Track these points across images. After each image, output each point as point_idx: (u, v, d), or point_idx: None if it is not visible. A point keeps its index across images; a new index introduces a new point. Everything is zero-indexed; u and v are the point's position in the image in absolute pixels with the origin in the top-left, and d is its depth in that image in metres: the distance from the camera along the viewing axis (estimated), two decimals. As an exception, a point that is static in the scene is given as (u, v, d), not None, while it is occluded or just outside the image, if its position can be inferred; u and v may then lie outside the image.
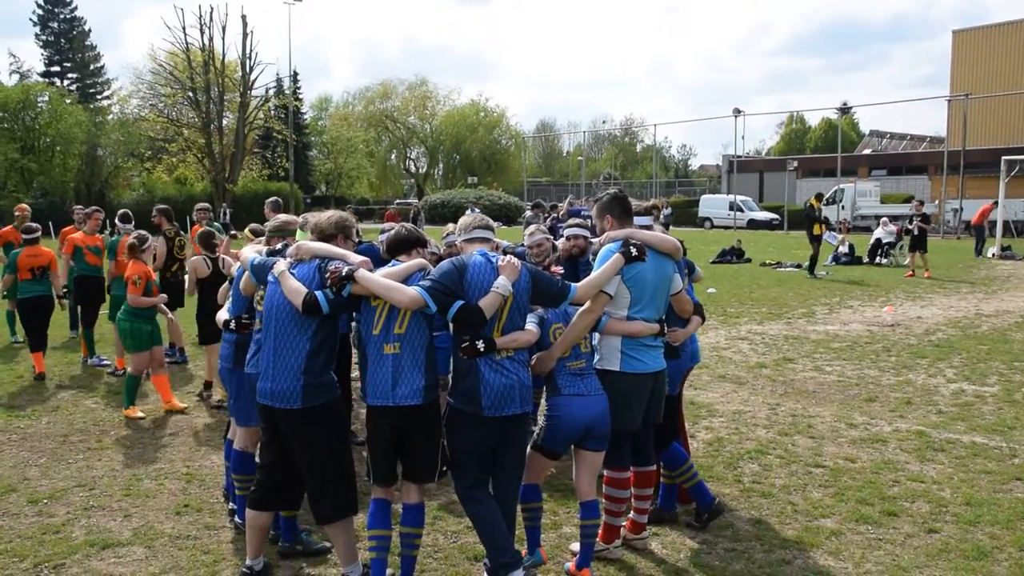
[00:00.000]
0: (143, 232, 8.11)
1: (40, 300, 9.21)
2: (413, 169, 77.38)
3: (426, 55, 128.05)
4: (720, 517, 5.01)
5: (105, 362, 9.71)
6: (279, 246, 4.62)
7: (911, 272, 19.38)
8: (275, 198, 10.79)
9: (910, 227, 19.90)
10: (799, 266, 21.45)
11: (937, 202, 37.08)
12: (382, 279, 3.89)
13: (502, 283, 3.91)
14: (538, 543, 4.45)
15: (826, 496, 5.48)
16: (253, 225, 7.33)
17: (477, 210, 26.41)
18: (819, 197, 20.08)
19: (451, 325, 4.13)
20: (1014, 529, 4.91)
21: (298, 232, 5.00)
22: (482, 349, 3.91)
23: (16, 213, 11.30)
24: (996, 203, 26.44)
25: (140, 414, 7.46)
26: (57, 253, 10.21)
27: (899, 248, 22.66)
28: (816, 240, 19.17)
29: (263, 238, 5.21)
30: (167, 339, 9.37)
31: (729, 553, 4.66)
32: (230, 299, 5.13)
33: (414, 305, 3.84)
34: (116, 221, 10.18)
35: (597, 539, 4.49)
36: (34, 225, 9.58)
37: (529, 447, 4.28)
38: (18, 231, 10.22)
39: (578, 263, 5.83)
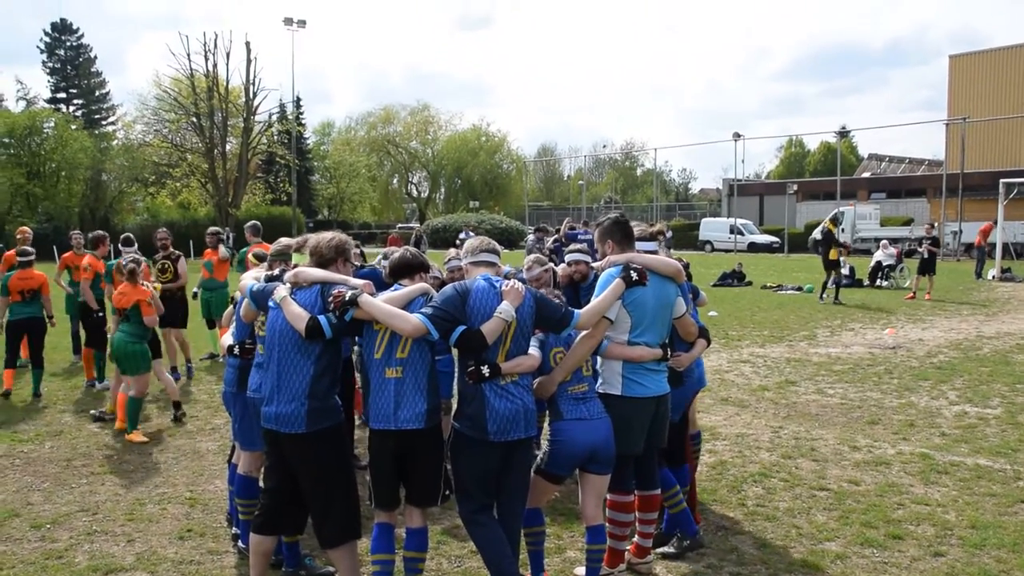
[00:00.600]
0: (137, 256, 8.14)
1: (27, 321, 9.38)
2: (415, 193, 77.71)
3: (428, 80, 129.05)
4: (701, 548, 4.96)
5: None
6: (277, 271, 4.65)
7: (912, 294, 19.39)
8: (254, 222, 11.23)
9: (919, 249, 19.91)
10: (800, 289, 21.49)
11: (936, 224, 37.14)
12: (385, 306, 3.91)
13: (505, 308, 3.93)
14: (542, 567, 4.44)
15: (830, 519, 5.47)
16: (256, 250, 7.35)
17: (471, 233, 26.45)
18: (835, 221, 19.88)
19: (453, 350, 4.14)
20: (1020, 552, 4.89)
21: (294, 256, 4.99)
22: (487, 374, 3.93)
23: (17, 236, 11.44)
24: (995, 222, 26.46)
25: (143, 438, 7.46)
26: (56, 278, 10.34)
27: (899, 270, 22.68)
28: (834, 265, 18.88)
29: (265, 263, 5.24)
30: (167, 361, 9.46)
31: (734, 577, 4.64)
32: (234, 324, 5.15)
33: (416, 333, 3.86)
34: (120, 245, 10.25)
35: (602, 563, 4.47)
36: (28, 249, 9.81)
37: (532, 471, 4.29)
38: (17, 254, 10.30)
39: (579, 288, 5.83)
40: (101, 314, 9.77)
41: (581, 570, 4.51)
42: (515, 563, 4.01)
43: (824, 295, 18.97)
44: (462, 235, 25.60)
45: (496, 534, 4.01)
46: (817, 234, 40.44)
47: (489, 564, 4.03)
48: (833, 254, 18.99)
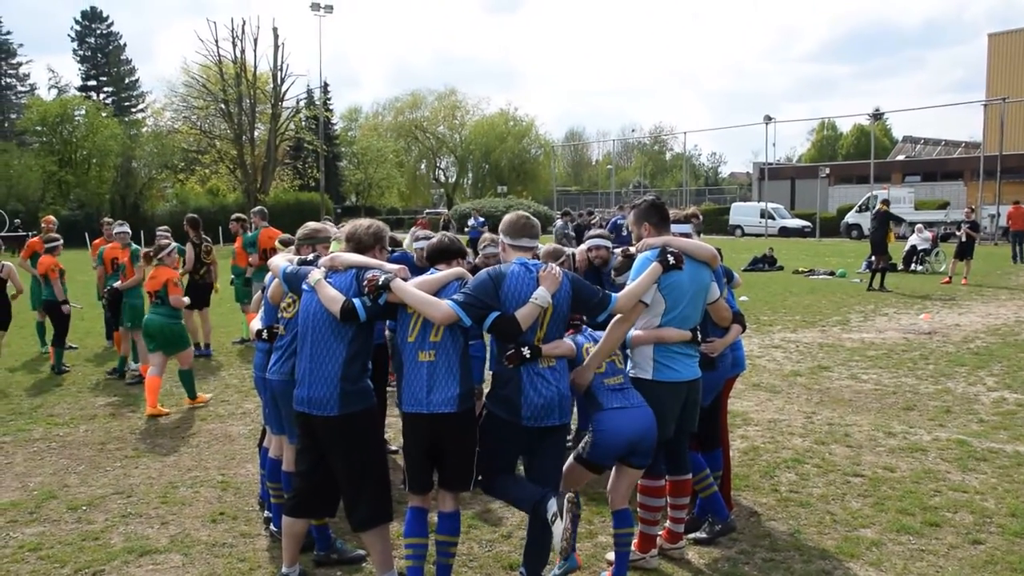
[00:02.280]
0: (165, 242, 8.45)
1: (49, 303, 10.09)
2: (443, 179, 77.75)
3: (455, 65, 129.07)
4: (733, 534, 4.90)
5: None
6: (311, 256, 4.65)
7: (948, 279, 19.06)
8: (260, 207, 12.08)
9: (957, 233, 19.52)
10: (832, 274, 21.21)
11: (974, 208, 36.52)
12: (418, 292, 3.89)
13: (541, 294, 3.89)
14: (574, 548, 4.42)
15: (865, 506, 5.39)
16: (283, 236, 7.50)
17: (480, 219, 25.94)
18: (887, 203, 19.11)
19: (486, 335, 4.11)
20: (1062, 541, 4.79)
21: (333, 243, 5.01)
22: (528, 356, 3.89)
23: (43, 225, 11.76)
24: (1016, 202, 25.74)
25: (206, 396, 8.35)
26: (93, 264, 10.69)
27: (935, 255, 22.31)
28: (885, 249, 17.77)
29: (292, 247, 5.25)
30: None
31: (767, 563, 4.59)
32: (262, 308, 5.17)
33: (447, 320, 3.84)
34: (158, 231, 10.46)
35: (633, 548, 4.44)
36: (55, 236, 10.45)
37: (572, 458, 4.26)
38: (43, 241, 10.75)
39: (601, 273, 5.78)
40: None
41: (612, 555, 4.48)
42: (532, 485, 3.97)
43: (873, 282, 17.78)
44: (471, 221, 25.27)
45: (511, 477, 4.04)
46: (851, 217, 40.08)
47: (510, 496, 4.03)
48: (891, 238, 18.17)
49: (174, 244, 8.47)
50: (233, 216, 12.24)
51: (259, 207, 12.01)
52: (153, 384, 7.90)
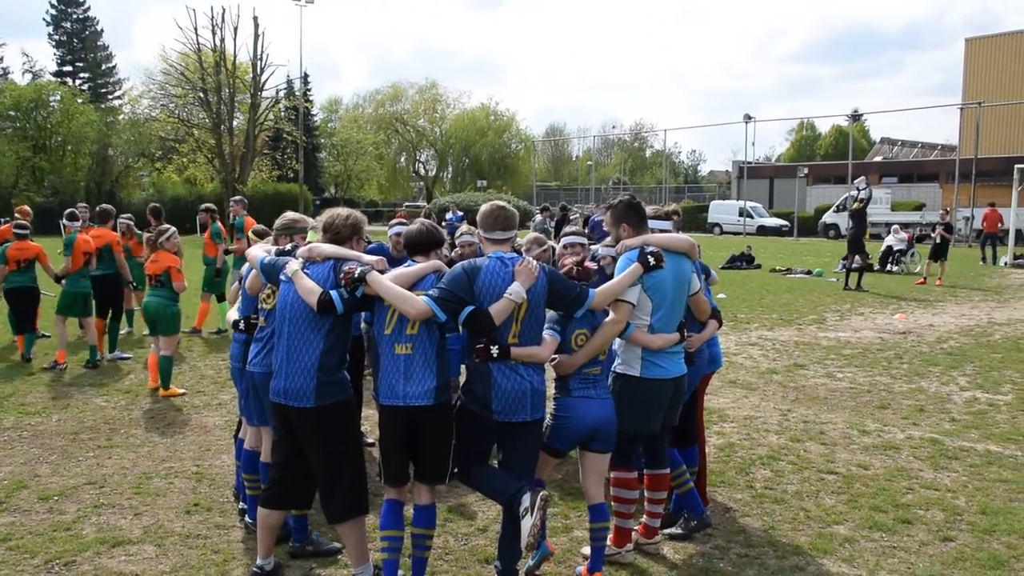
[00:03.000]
0: (168, 226, 8.61)
1: (22, 290, 9.90)
2: (422, 172, 77.43)
3: (437, 58, 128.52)
4: (709, 529, 4.93)
5: (126, 356, 10.02)
6: (288, 246, 4.61)
7: (923, 279, 19.27)
8: (240, 196, 12.11)
9: (932, 235, 19.70)
10: (809, 273, 21.37)
11: (948, 209, 36.94)
12: (393, 287, 3.87)
13: (515, 289, 3.88)
14: (544, 536, 4.43)
15: (839, 503, 5.44)
16: (257, 227, 7.45)
17: (459, 213, 25.30)
18: (863, 201, 18.08)
19: (461, 328, 4.09)
20: (1030, 538, 4.86)
21: (310, 233, 4.98)
22: (495, 355, 3.89)
23: (16, 213, 11.62)
24: (991, 204, 26.08)
25: (181, 391, 8.28)
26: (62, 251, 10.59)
27: (910, 255, 22.54)
28: (862, 248, 17.62)
29: (269, 238, 5.20)
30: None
31: (742, 559, 4.62)
32: (240, 299, 5.13)
33: (422, 316, 3.83)
34: (64, 220, 10.45)
35: (608, 543, 4.46)
36: (23, 223, 10.37)
37: None
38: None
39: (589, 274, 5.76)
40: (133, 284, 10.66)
41: (587, 549, 4.49)
42: (508, 477, 3.99)
43: (849, 281, 17.70)
44: (448, 215, 24.56)
45: (487, 468, 4.07)
46: (828, 217, 40.40)
47: (485, 487, 4.07)
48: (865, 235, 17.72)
49: (173, 228, 8.57)
50: (202, 206, 12.18)
51: (239, 196, 12.13)
52: (154, 361, 8.30)
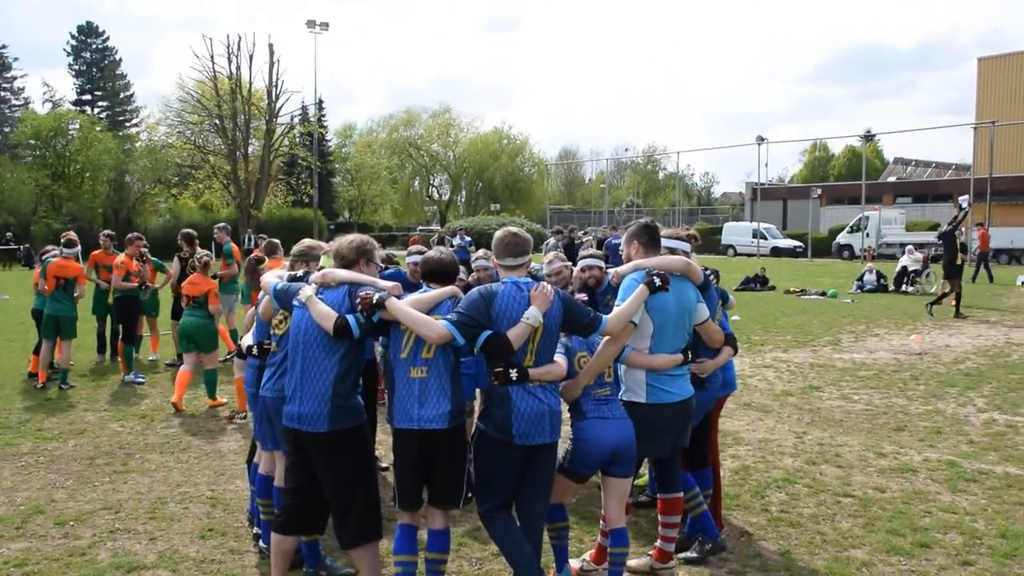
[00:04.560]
0: (209, 253, 9.33)
1: (57, 318, 9.89)
2: (436, 196, 77.78)
3: (450, 83, 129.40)
4: (724, 553, 4.91)
5: (140, 379, 10.10)
6: (300, 272, 4.66)
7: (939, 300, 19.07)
8: (224, 223, 12.49)
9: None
10: (824, 294, 21.28)
11: (964, 230, 36.73)
12: (412, 312, 3.89)
13: (532, 314, 3.90)
14: (566, 560, 4.43)
15: (855, 526, 5.39)
16: (269, 241, 8.79)
17: (467, 239, 25.04)
18: (958, 219, 17.01)
19: (477, 353, 4.12)
20: (1051, 562, 4.79)
21: (323, 258, 5.03)
22: (515, 378, 3.91)
23: (63, 239, 11.69)
24: (981, 224, 26.38)
25: (223, 400, 8.81)
26: (87, 275, 10.73)
27: (926, 276, 22.41)
28: (958, 272, 16.30)
29: (279, 255, 5.26)
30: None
31: (758, 584, 4.58)
32: (254, 325, 5.17)
33: (442, 340, 3.85)
34: (61, 247, 10.44)
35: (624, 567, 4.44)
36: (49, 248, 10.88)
37: (555, 470, 4.27)
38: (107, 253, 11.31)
39: (595, 294, 5.79)
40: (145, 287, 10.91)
41: (576, 562, 4.59)
42: (535, 557, 4.00)
43: (936, 306, 16.79)
44: (456, 240, 24.10)
45: (513, 531, 4.02)
46: (843, 238, 40.22)
47: (509, 558, 4.04)
48: (959, 258, 16.28)
49: (210, 254, 9.24)
50: (218, 225, 12.37)
51: (223, 223, 12.56)
52: (184, 379, 8.62)
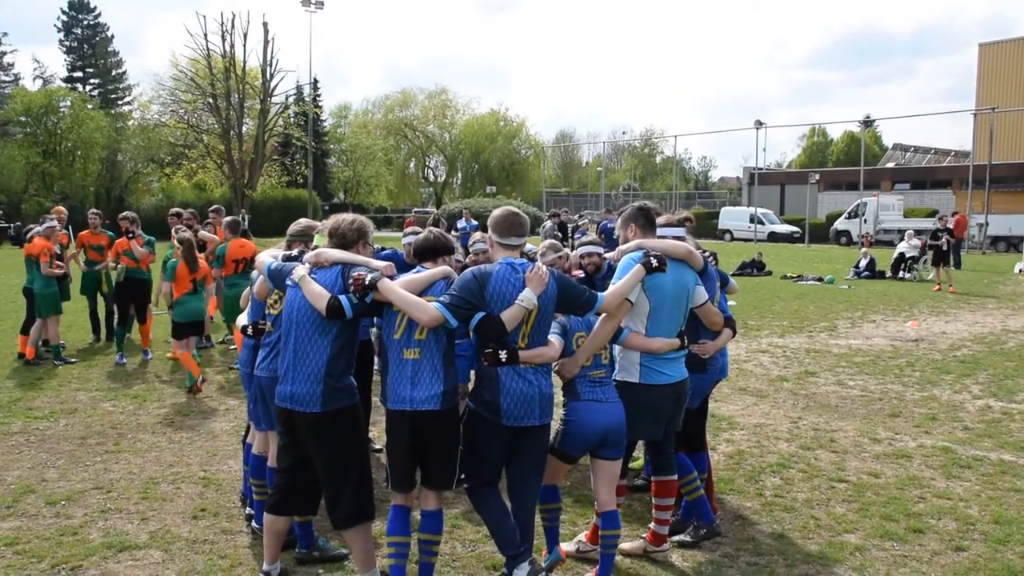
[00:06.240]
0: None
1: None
2: (432, 178, 77.50)
3: (446, 64, 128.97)
4: (718, 537, 4.91)
5: (122, 360, 9.97)
6: (295, 252, 4.60)
7: (938, 286, 19.13)
8: (218, 205, 12.32)
9: (938, 242, 19.59)
10: (820, 279, 21.27)
11: (943, 216, 36.71)
12: (404, 293, 3.86)
13: (527, 296, 3.87)
14: (557, 541, 4.43)
15: (850, 511, 5.38)
16: (229, 219, 9.50)
17: (473, 222, 24.74)
18: None
19: (472, 334, 4.09)
20: (1045, 549, 4.79)
21: (316, 237, 4.96)
22: (504, 360, 3.88)
23: (53, 214, 11.59)
24: (956, 213, 26.53)
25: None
26: (74, 256, 10.67)
27: (923, 262, 22.43)
28: (945, 258, 17.58)
29: (282, 242, 5.19)
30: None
31: (751, 567, 4.58)
32: (249, 304, 5.12)
33: (434, 323, 3.82)
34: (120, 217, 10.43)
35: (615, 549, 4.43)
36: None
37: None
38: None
39: (594, 280, 5.74)
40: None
41: (568, 545, 4.60)
42: (517, 533, 3.99)
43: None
44: (460, 223, 23.43)
45: (499, 506, 4.03)
46: (840, 224, 40.16)
47: (493, 533, 4.05)
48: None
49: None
50: (212, 208, 12.17)
51: (217, 206, 12.31)
52: (188, 359, 8.66)
